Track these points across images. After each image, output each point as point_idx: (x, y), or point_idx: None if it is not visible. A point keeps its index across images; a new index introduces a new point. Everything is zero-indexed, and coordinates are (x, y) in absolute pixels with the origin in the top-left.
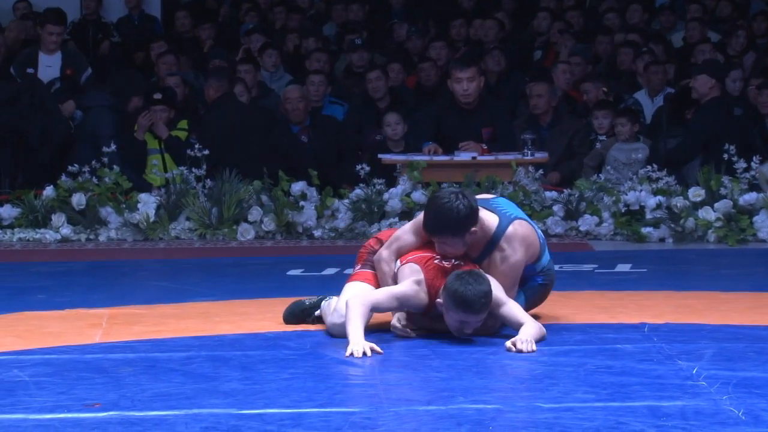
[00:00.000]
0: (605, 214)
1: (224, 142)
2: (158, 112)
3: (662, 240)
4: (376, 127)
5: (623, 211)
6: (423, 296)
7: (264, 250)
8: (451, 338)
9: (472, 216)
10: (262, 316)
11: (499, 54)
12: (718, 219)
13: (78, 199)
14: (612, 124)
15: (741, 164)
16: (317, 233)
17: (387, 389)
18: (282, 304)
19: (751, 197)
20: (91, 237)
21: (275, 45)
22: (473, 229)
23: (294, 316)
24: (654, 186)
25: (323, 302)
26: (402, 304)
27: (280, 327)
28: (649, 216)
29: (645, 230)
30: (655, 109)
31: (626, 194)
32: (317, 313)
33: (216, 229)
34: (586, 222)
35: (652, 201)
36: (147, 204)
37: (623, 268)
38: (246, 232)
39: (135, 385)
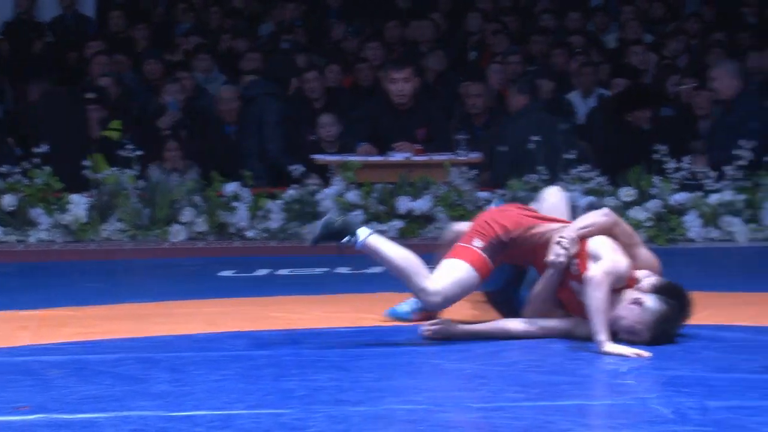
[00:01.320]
0: None
1: None
2: (91, 111)
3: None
4: (310, 128)
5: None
6: None
7: (196, 251)
8: (380, 338)
9: None
10: (193, 318)
11: (441, 53)
12: (648, 219)
13: (8, 201)
14: None
15: (672, 164)
16: (250, 234)
17: (318, 390)
18: (214, 305)
19: (681, 197)
20: (22, 238)
21: (210, 46)
22: None
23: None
24: (586, 186)
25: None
26: None
27: (210, 328)
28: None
29: None
30: (588, 110)
31: None
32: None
33: (148, 230)
34: None
35: (583, 201)
36: (78, 205)
37: None
38: (178, 233)
39: (64, 387)
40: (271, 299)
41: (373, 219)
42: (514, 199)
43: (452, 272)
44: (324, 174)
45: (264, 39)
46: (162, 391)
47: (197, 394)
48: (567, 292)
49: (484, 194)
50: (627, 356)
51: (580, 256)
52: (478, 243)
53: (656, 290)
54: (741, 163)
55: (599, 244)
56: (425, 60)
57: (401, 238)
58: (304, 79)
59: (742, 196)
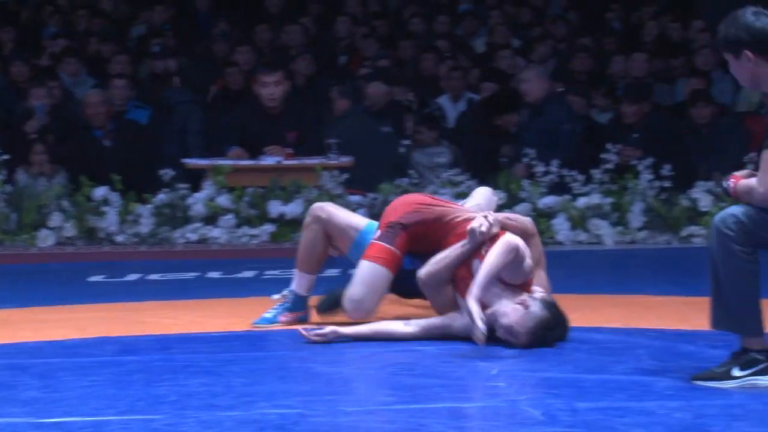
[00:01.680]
0: None
1: None
2: None
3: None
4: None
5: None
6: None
7: (65, 256)
8: (252, 343)
9: None
10: (62, 324)
11: (309, 57)
12: None
13: None
14: (414, 129)
15: (540, 168)
16: (120, 239)
17: (189, 395)
18: (84, 311)
19: (550, 200)
20: None
21: (77, 49)
22: None
23: (329, 304)
24: (456, 190)
25: None
26: None
27: (80, 334)
28: None
29: None
30: (458, 114)
31: None
32: None
33: (15, 235)
34: None
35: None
36: None
37: None
38: (46, 238)
39: None
40: (141, 304)
41: (244, 223)
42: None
43: (364, 277)
44: (195, 178)
45: (133, 42)
46: (31, 398)
47: (67, 400)
48: (465, 271)
49: (355, 198)
50: (473, 320)
51: (493, 240)
52: (377, 234)
53: (544, 301)
54: (608, 167)
55: (516, 238)
56: (295, 64)
57: (273, 242)
58: (173, 82)
59: (609, 200)
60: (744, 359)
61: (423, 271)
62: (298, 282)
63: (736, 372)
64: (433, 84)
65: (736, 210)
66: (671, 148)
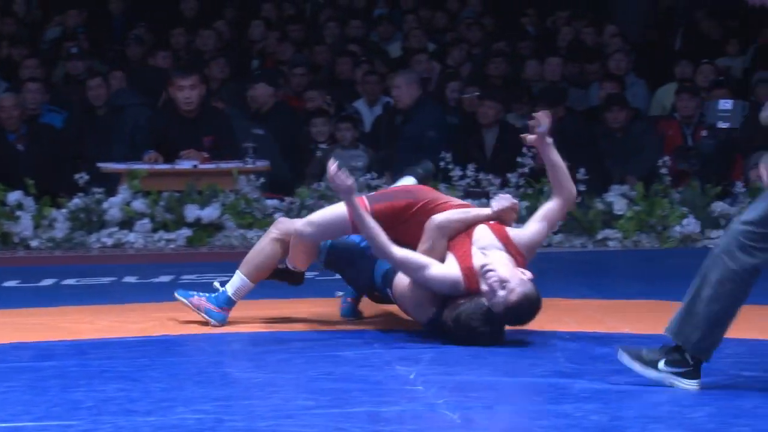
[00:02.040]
0: None
1: None
2: None
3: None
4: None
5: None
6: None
7: None
8: (169, 347)
9: None
10: None
11: (223, 62)
12: None
13: None
14: (331, 132)
15: (457, 172)
16: (34, 243)
17: (107, 400)
18: None
19: None
20: None
21: None
22: None
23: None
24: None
25: None
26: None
27: None
28: None
29: None
30: (374, 118)
31: None
32: None
33: None
34: None
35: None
36: None
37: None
38: None
39: None
40: (56, 309)
41: (160, 228)
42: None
43: (329, 210)
44: (111, 182)
45: (47, 45)
46: None
47: None
48: (466, 237)
49: (272, 202)
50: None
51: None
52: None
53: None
54: (524, 171)
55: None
56: (209, 68)
57: (189, 246)
58: (88, 86)
59: (525, 203)
60: (673, 357)
61: (439, 218)
62: (239, 286)
63: (661, 365)
64: (350, 88)
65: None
66: (586, 152)
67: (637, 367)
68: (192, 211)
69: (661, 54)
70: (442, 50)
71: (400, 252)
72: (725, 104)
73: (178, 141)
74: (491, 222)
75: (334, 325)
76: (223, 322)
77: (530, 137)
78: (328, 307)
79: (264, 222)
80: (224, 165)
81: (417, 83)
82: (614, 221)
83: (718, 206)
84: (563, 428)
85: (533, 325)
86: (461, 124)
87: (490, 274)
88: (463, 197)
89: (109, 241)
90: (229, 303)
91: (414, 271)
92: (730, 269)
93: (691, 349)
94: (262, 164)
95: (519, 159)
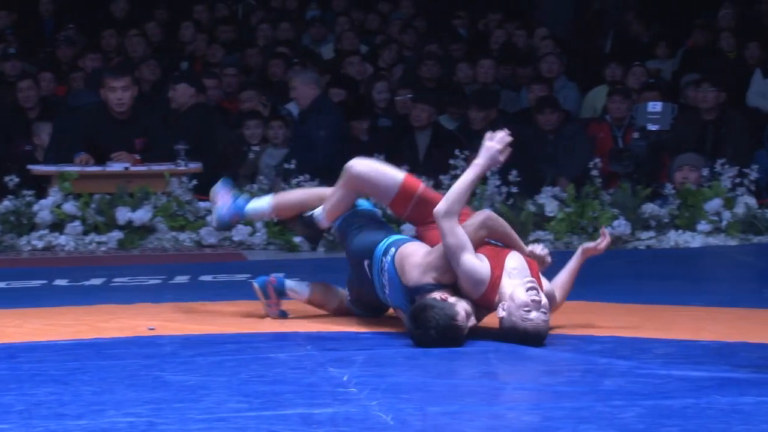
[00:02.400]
0: (258, 224)
1: None
2: None
3: (314, 249)
4: (25, 138)
5: (276, 220)
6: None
7: None
8: (100, 351)
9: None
10: None
11: (154, 63)
12: None
13: None
14: (263, 134)
15: None
16: None
17: (37, 404)
18: None
19: None
20: None
21: None
22: None
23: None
24: None
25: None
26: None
27: None
28: None
29: (297, 240)
30: None
31: None
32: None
33: None
34: (240, 232)
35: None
36: None
37: None
38: None
39: None
40: None
41: (91, 230)
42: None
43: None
44: (41, 184)
45: None
46: None
47: None
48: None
49: (205, 204)
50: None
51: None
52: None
53: None
54: (456, 173)
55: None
56: (139, 71)
57: (121, 249)
58: (17, 87)
59: None
60: None
61: (492, 213)
62: (258, 207)
63: None
64: (282, 90)
65: None
66: (518, 154)
67: None
68: (123, 214)
69: (591, 56)
70: (374, 52)
71: (458, 226)
72: (654, 106)
73: (109, 143)
74: (526, 256)
75: (266, 326)
76: (222, 221)
77: (588, 246)
78: (260, 308)
79: (196, 224)
80: (156, 167)
81: (314, 83)
82: (546, 223)
83: (649, 208)
84: (496, 429)
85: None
86: (394, 126)
87: (532, 291)
88: None
89: (40, 244)
90: (239, 213)
91: (456, 245)
92: None
93: None
94: (194, 166)
95: (452, 161)
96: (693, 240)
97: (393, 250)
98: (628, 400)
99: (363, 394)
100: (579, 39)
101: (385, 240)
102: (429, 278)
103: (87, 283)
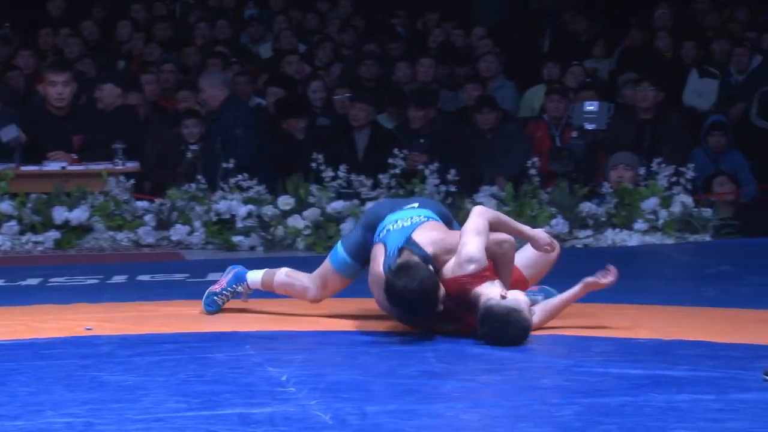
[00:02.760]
0: (196, 224)
1: None
2: None
3: (253, 248)
4: None
5: (214, 220)
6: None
7: None
8: (37, 351)
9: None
10: None
11: (89, 62)
12: (307, 227)
13: None
14: (202, 132)
15: (329, 173)
16: None
17: None
18: None
19: (338, 205)
20: None
21: None
22: None
23: None
24: (245, 195)
25: None
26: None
27: None
28: (240, 225)
29: (236, 239)
30: None
31: (218, 203)
32: None
33: None
34: (178, 232)
35: (242, 210)
36: None
37: (215, 277)
38: None
39: None
40: None
41: (28, 230)
42: None
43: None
44: None
45: None
46: None
47: None
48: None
49: (142, 203)
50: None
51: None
52: None
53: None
54: (395, 171)
55: None
56: (74, 68)
57: (58, 248)
58: None
59: None
60: None
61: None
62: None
63: None
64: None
65: None
66: (457, 153)
67: None
68: (60, 213)
69: (529, 56)
70: (312, 51)
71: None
72: (590, 106)
73: (46, 140)
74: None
75: (204, 326)
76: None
77: (590, 279)
78: (199, 308)
79: (134, 224)
80: (93, 166)
81: (222, 84)
82: None
83: (586, 207)
84: (435, 428)
85: (402, 325)
86: (332, 125)
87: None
88: (335, 198)
89: None
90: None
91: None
92: None
93: None
94: (131, 165)
95: (391, 160)
96: (630, 239)
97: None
98: (566, 398)
99: (301, 394)
100: (517, 38)
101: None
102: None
103: (23, 283)
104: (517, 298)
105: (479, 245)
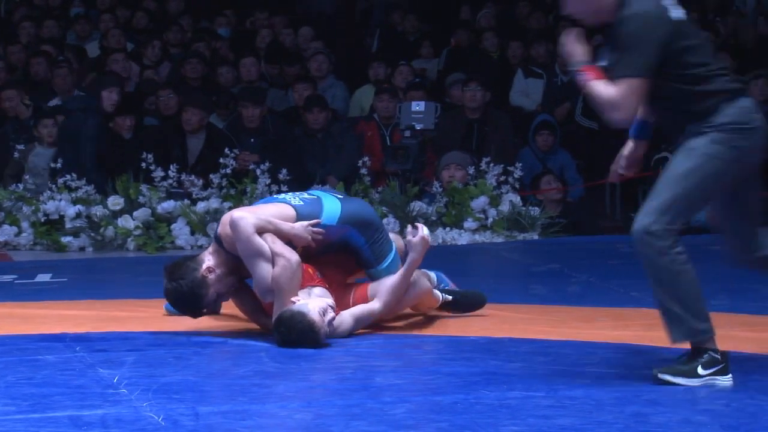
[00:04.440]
0: (24, 224)
1: None
2: None
3: (83, 249)
4: None
5: (43, 220)
6: None
7: None
8: None
9: None
10: None
11: None
12: (137, 227)
13: None
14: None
15: (159, 173)
16: None
17: None
18: None
19: (169, 205)
20: None
21: None
22: None
23: None
24: (74, 195)
25: None
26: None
27: None
28: (69, 225)
29: (65, 239)
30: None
31: (46, 203)
32: None
33: None
34: (5, 232)
35: (71, 210)
36: None
37: (44, 278)
38: None
39: None
40: None
41: None
42: None
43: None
44: None
45: None
46: None
47: None
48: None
49: None
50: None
51: None
52: None
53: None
54: (226, 171)
55: None
56: None
57: None
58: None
59: (228, 204)
60: (706, 359)
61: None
62: None
63: (700, 370)
64: (46, 88)
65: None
66: (287, 153)
67: (682, 381)
68: None
69: (358, 56)
70: (139, 50)
71: None
72: (417, 106)
73: None
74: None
75: (33, 328)
76: None
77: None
78: (27, 308)
79: None
80: None
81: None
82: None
83: (417, 205)
84: (269, 428)
85: (238, 325)
86: (162, 125)
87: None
88: (165, 198)
89: None
90: None
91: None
92: (660, 257)
93: (701, 337)
94: None
95: (222, 160)
96: (460, 237)
97: None
98: (398, 397)
99: (134, 395)
100: (346, 38)
101: None
102: None
103: None
104: (307, 302)
105: (266, 273)
